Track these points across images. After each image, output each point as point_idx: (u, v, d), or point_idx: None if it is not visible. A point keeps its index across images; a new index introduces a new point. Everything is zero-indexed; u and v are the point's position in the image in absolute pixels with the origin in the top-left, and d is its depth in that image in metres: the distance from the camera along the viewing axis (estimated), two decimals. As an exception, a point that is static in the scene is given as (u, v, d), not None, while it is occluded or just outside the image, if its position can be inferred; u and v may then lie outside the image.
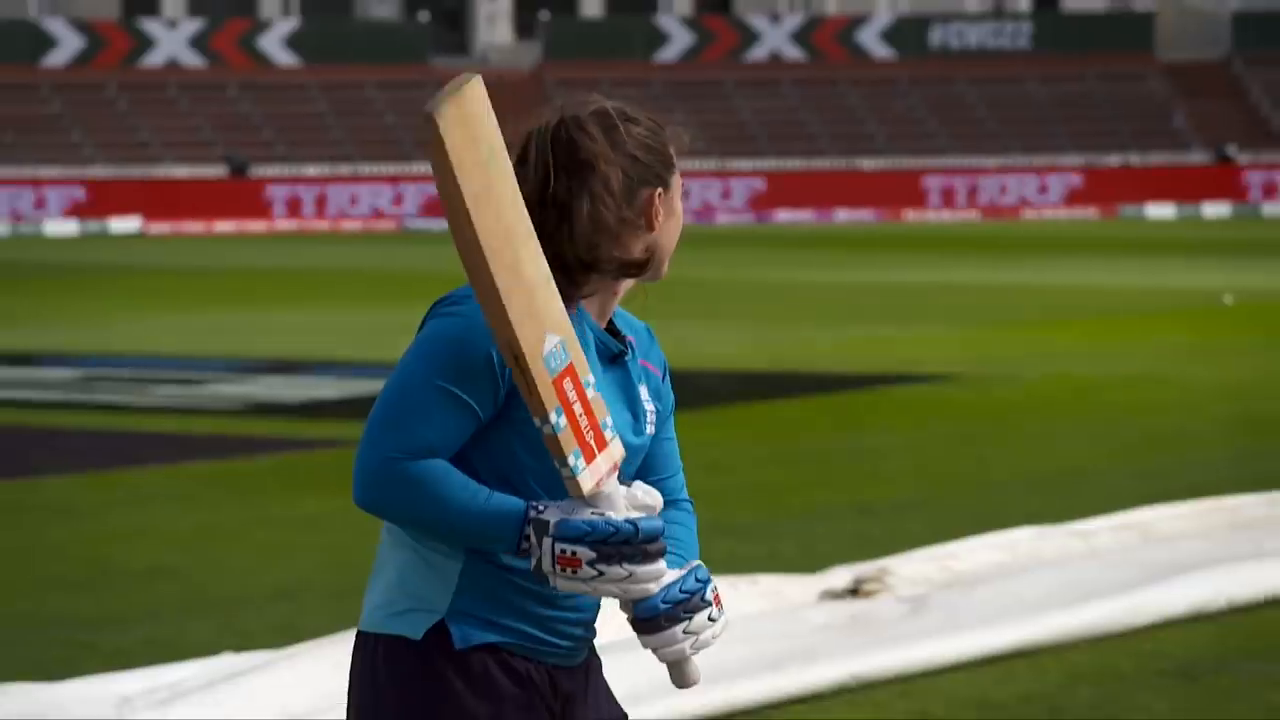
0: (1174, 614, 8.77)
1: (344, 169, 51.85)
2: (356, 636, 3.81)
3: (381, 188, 50.97)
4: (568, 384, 3.59)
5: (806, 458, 13.42)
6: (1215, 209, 52.02)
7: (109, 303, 26.74)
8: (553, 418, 3.57)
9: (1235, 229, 45.56)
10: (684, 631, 3.63)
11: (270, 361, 19.66)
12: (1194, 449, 13.88)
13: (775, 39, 58.72)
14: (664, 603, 3.60)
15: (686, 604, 3.61)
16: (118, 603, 9.37)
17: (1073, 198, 52.79)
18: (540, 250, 3.51)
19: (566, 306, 3.65)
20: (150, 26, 56.61)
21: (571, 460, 3.57)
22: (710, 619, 3.62)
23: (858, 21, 59.55)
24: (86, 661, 8.00)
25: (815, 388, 17.23)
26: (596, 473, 3.63)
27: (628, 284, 3.74)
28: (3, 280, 31.55)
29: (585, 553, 3.54)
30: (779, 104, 54.39)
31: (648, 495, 3.63)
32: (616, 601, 3.71)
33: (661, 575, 3.58)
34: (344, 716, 6.06)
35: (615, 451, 3.67)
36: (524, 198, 3.54)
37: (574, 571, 3.54)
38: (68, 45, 55.12)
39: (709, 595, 3.60)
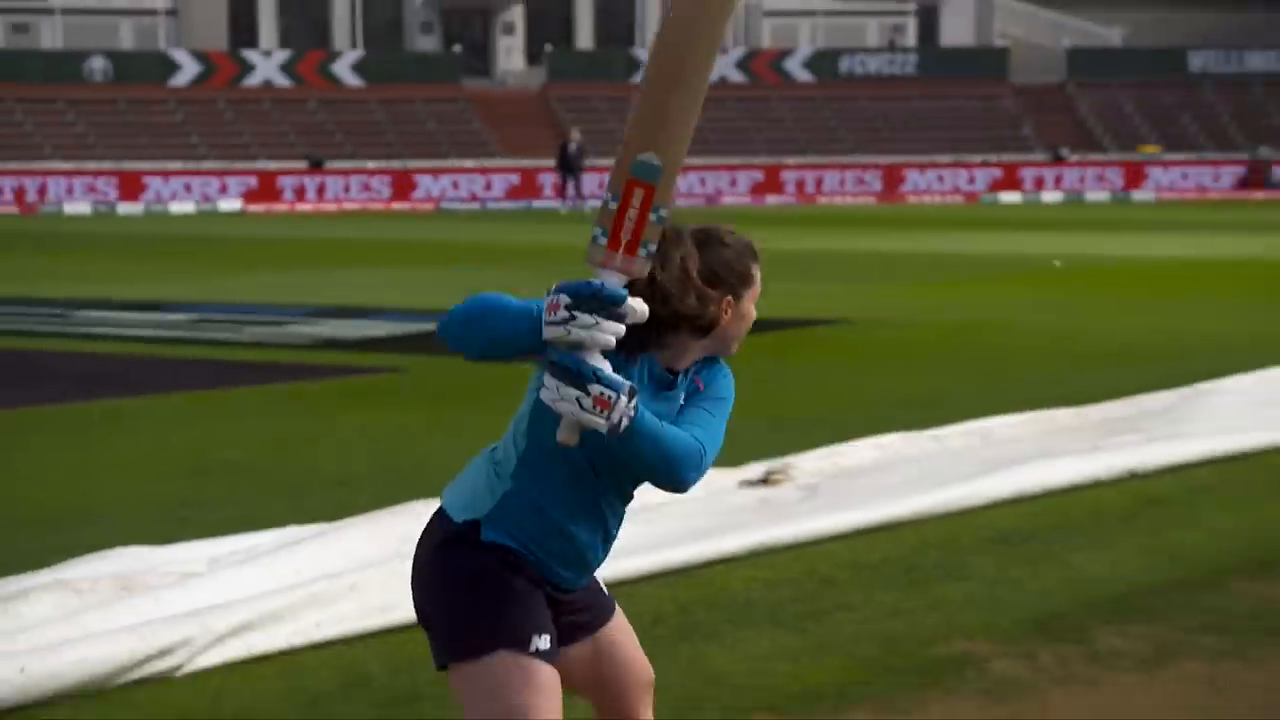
0: (1002, 496, 8.85)
1: (395, 164, 51.58)
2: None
3: (424, 178, 50.63)
4: (638, 193, 3.75)
5: (747, 386, 13.08)
6: (1051, 195, 52.26)
7: (216, 265, 26.67)
8: (608, 196, 3.76)
9: (1066, 211, 45.91)
10: (578, 400, 3.62)
11: (336, 308, 19.53)
12: (1026, 374, 13.90)
13: (723, 66, 58.41)
14: (582, 369, 3.62)
15: (591, 384, 3.62)
16: (213, 489, 9.34)
17: (946, 187, 52.84)
18: (692, 120, 3.77)
19: (652, 349, 3.94)
20: (250, 55, 56.19)
21: (598, 233, 3.75)
22: (586, 408, 3.62)
23: (786, 53, 59.26)
24: (188, 533, 7.96)
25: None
26: (611, 257, 3.76)
27: (697, 348, 3.94)
28: (138, 248, 31.49)
29: (563, 299, 3.60)
30: (726, 115, 54.07)
31: (637, 302, 3.66)
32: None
33: (617, 334, 3.64)
34: (367, 574, 6.89)
35: (637, 266, 3.75)
36: (652, 274, 3.81)
37: (554, 314, 3.61)
38: (188, 69, 54.72)
39: (608, 396, 3.60)
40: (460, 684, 3.94)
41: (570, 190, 45.94)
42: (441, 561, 3.98)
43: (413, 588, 4.02)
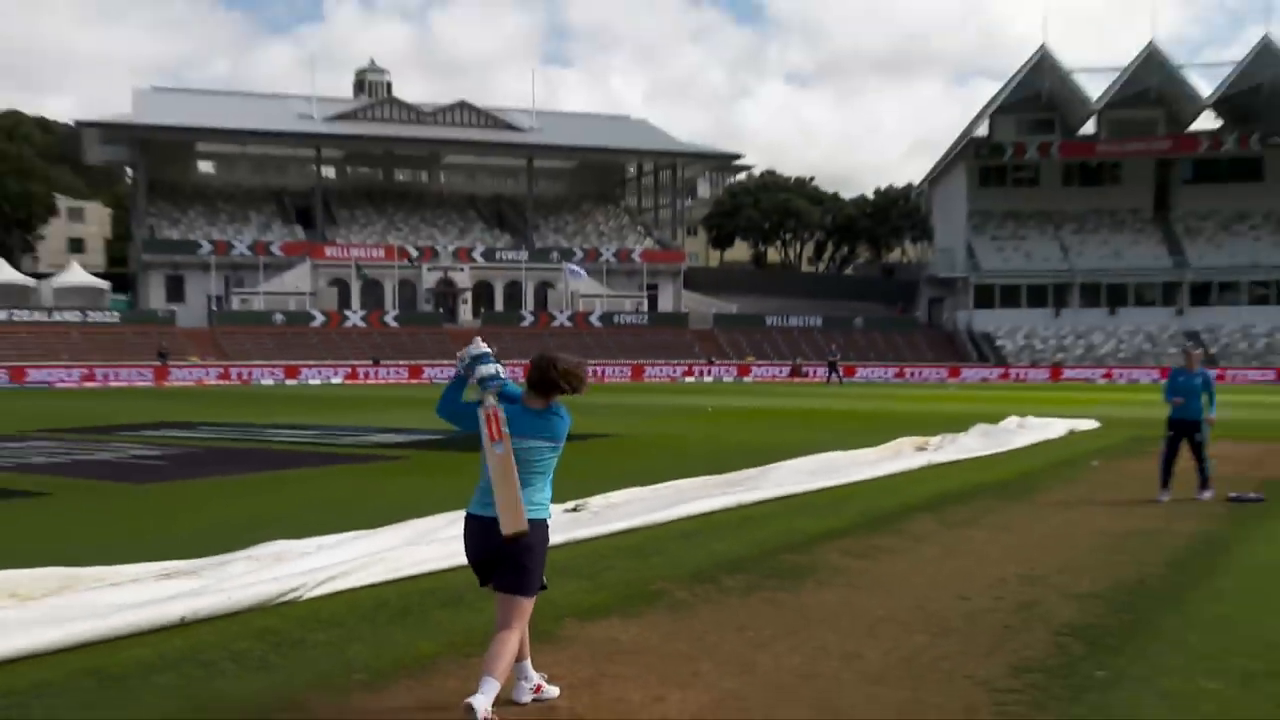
0: (688, 514, 8.09)
1: (410, 362, 49.32)
2: None
3: (433, 369, 48.11)
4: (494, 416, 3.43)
5: (567, 464, 12.31)
6: (710, 378, 50.20)
7: (332, 408, 25.02)
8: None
9: (718, 387, 43.13)
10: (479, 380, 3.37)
11: (379, 428, 18.22)
12: (696, 459, 12.92)
13: (561, 319, 57.43)
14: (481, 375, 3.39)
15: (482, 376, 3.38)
16: (311, 518, 8.23)
17: (664, 375, 51.24)
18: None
19: (536, 401, 3.46)
20: (347, 312, 53.25)
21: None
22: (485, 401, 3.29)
23: (589, 313, 57.13)
24: (306, 534, 7.15)
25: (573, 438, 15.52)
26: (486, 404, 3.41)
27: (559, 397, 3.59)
28: (294, 401, 29.54)
29: (466, 361, 3.49)
30: (561, 341, 53.01)
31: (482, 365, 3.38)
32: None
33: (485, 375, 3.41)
34: (394, 552, 6.11)
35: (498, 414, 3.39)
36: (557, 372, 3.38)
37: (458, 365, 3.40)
38: (318, 319, 51.85)
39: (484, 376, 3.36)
40: (516, 606, 3.51)
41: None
42: (545, 543, 3.46)
43: (516, 550, 3.40)
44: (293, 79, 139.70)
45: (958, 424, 17.14)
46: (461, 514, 4.13)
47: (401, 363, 49.70)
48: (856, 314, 62.99)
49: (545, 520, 3.63)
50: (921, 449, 13.61)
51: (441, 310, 58.13)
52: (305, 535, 7.15)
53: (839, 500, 9.45)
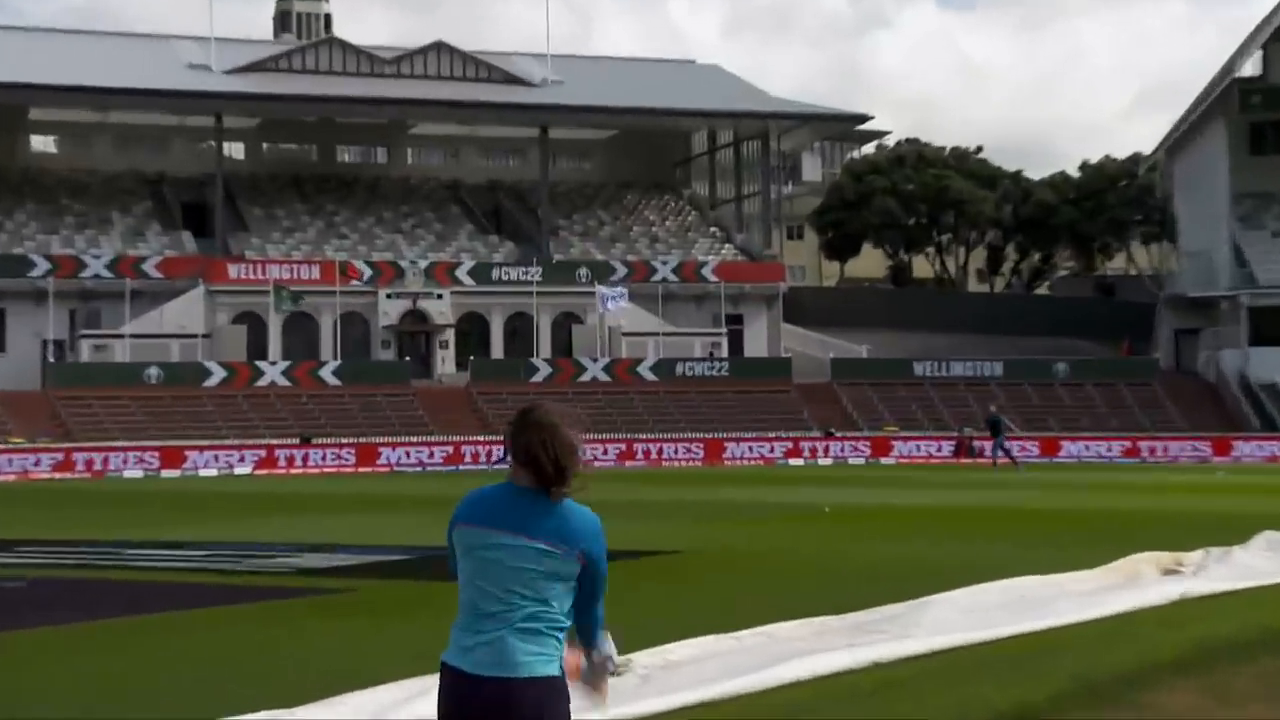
0: (782, 682, 8.53)
1: (362, 440, 50.96)
2: None
3: (384, 449, 49.90)
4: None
5: (613, 596, 12.50)
6: (824, 461, 52.03)
7: (231, 514, 25.97)
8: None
9: (833, 471, 45.21)
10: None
11: (312, 545, 18.84)
12: (805, 589, 13.42)
13: (594, 370, 58.77)
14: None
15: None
16: (190, 692, 8.49)
17: (752, 455, 52.28)
18: None
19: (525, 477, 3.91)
20: (262, 364, 55.33)
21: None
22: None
23: (638, 361, 59.25)
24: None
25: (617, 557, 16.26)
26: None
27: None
28: (176, 502, 30.52)
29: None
30: (596, 405, 54.17)
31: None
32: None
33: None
34: None
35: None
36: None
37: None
38: (217, 375, 53.64)
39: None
40: None
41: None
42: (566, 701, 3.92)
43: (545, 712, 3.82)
44: (181, 12, 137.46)
45: (1230, 531, 17.34)
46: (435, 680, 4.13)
47: (346, 441, 50.32)
48: (1058, 356, 62.65)
49: (556, 679, 3.88)
50: (1172, 571, 13.97)
51: (409, 359, 58.64)
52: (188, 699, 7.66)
53: (1038, 655, 9.61)
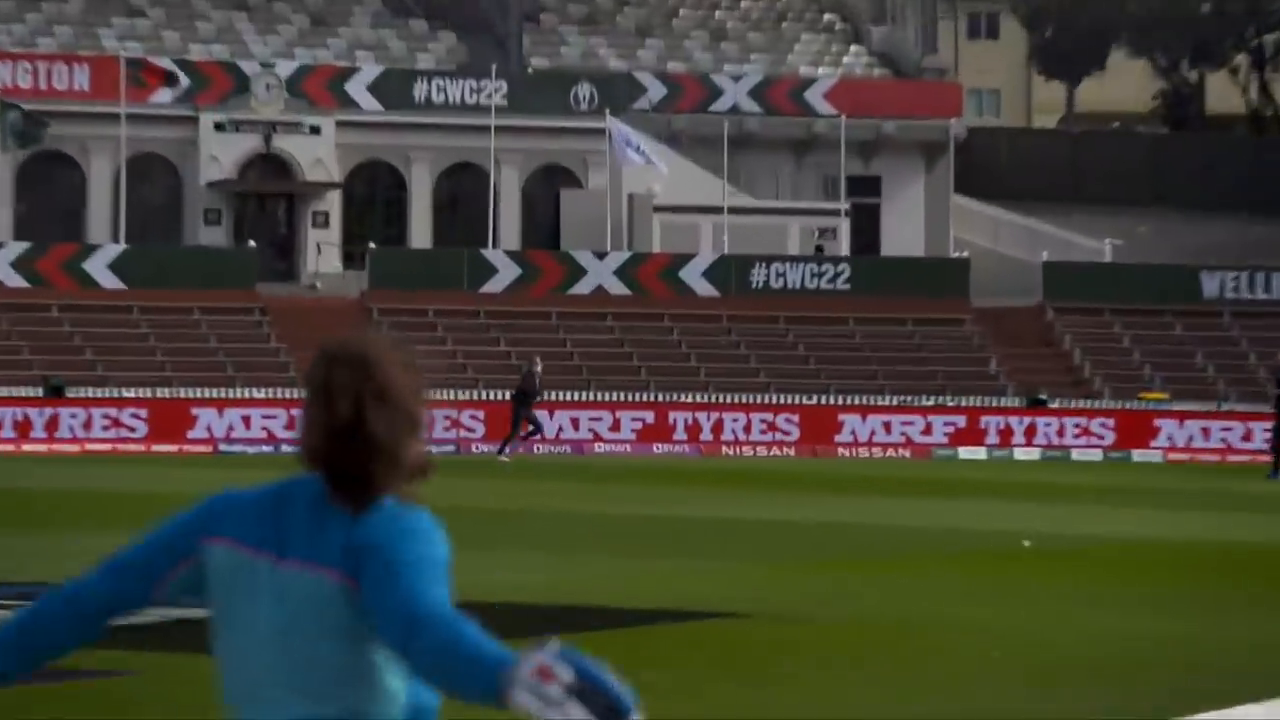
0: None
1: (162, 393, 51.14)
2: None
3: (203, 411, 50.30)
4: None
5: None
6: (1025, 453, 52.44)
7: None
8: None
9: (1043, 473, 45.57)
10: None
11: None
12: (978, 695, 13.62)
13: (600, 273, 58.55)
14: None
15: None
16: None
17: (890, 439, 52.85)
18: None
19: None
20: None
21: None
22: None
23: (681, 259, 59.17)
24: None
25: (600, 623, 16.49)
26: None
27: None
28: None
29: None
30: (602, 339, 54.18)
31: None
32: None
33: None
34: None
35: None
36: None
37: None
38: None
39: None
40: None
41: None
42: None
43: None
44: None
45: None
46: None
47: (131, 396, 51.08)
48: None
49: None
50: None
51: (255, 245, 59.38)
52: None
53: None
